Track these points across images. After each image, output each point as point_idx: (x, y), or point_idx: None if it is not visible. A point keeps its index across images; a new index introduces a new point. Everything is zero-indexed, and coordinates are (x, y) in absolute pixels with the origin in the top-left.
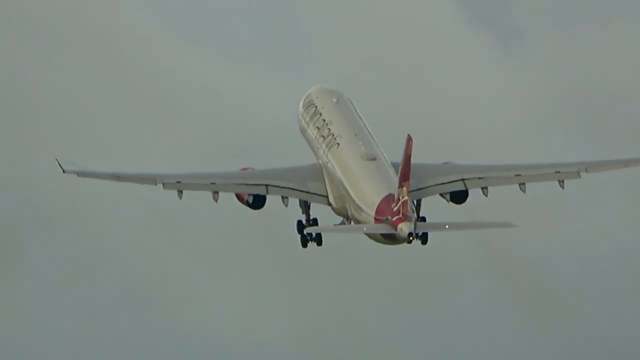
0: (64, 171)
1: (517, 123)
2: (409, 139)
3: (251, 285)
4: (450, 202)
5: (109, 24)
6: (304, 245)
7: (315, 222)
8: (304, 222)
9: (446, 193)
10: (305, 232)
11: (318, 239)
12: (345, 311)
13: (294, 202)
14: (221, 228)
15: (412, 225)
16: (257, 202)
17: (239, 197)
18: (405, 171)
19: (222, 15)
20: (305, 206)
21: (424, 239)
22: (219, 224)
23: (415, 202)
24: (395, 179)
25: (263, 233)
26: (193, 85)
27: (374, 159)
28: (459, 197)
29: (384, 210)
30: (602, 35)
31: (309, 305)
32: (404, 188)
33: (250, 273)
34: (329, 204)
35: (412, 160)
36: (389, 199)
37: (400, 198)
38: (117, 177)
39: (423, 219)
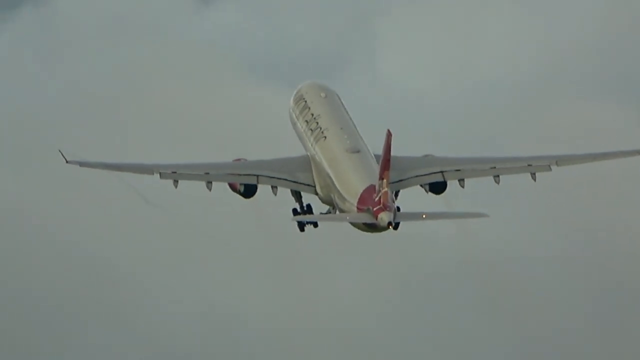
0: (67, 161)
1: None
2: (389, 134)
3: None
4: (430, 193)
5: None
6: (302, 229)
7: (309, 208)
8: (298, 209)
9: (425, 184)
10: (291, 220)
11: (314, 222)
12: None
13: (286, 192)
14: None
15: (392, 215)
16: (249, 191)
17: (232, 187)
18: (385, 164)
19: None
20: (297, 195)
21: (395, 225)
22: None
23: (394, 192)
24: (377, 171)
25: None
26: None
27: (358, 152)
28: (438, 188)
29: (366, 200)
30: None
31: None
32: (384, 180)
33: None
34: (316, 194)
35: (395, 153)
36: (370, 190)
37: (381, 189)
38: (116, 167)
39: (397, 209)
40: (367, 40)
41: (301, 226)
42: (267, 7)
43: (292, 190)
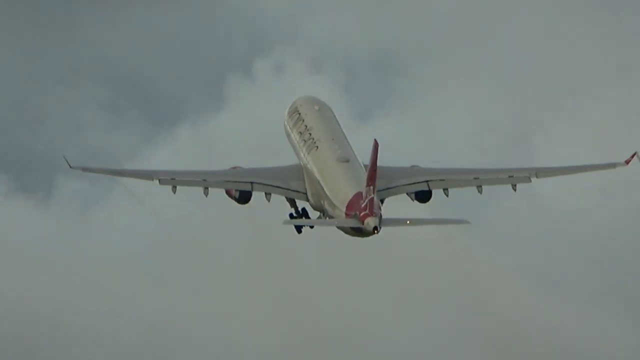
0: (70, 166)
1: None
2: (375, 144)
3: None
4: (415, 201)
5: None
6: (299, 231)
7: (304, 211)
8: (294, 214)
9: (411, 192)
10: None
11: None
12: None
13: (282, 199)
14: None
15: (377, 220)
16: (243, 197)
17: (228, 193)
18: (372, 172)
19: None
20: (292, 201)
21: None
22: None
23: (381, 200)
24: (365, 179)
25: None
26: None
27: (347, 161)
28: (423, 196)
29: (353, 206)
30: None
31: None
32: (371, 187)
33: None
34: (308, 200)
35: (383, 163)
36: (358, 197)
37: (368, 196)
38: (118, 173)
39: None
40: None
41: (298, 228)
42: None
43: (286, 197)
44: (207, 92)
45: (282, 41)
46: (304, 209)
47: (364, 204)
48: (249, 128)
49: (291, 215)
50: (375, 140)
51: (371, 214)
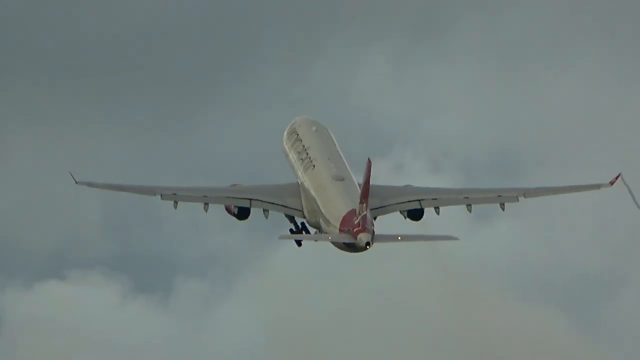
0: (76, 182)
1: None
2: (369, 163)
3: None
4: (408, 219)
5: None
6: (299, 245)
7: (304, 226)
8: (293, 229)
9: (404, 210)
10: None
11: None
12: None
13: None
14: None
15: (370, 236)
16: (242, 213)
17: (227, 209)
18: (365, 190)
19: None
20: (290, 218)
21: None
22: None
23: (374, 217)
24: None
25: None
26: None
27: (342, 180)
28: (415, 214)
29: (347, 222)
30: None
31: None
32: (364, 204)
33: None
34: (304, 217)
35: (378, 182)
36: (352, 213)
37: (361, 213)
38: (121, 188)
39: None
40: None
41: (298, 242)
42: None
43: (285, 214)
44: None
45: (401, 141)
46: (303, 224)
47: (357, 220)
48: None
49: (291, 230)
50: (369, 159)
51: (363, 229)
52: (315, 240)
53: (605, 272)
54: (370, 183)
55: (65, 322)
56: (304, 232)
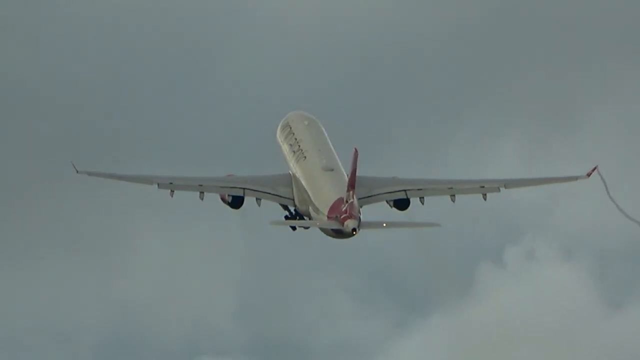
0: (77, 171)
1: None
2: (355, 153)
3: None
4: (394, 208)
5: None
6: (294, 229)
7: (297, 212)
8: (288, 215)
9: (390, 200)
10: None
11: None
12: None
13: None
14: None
15: (356, 222)
16: (236, 202)
17: (222, 198)
18: (352, 179)
19: None
20: (284, 206)
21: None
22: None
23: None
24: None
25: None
26: None
27: (331, 170)
28: (401, 204)
29: (335, 210)
30: None
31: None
32: (351, 192)
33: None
34: (295, 206)
35: (366, 174)
36: (340, 202)
37: (348, 201)
38: (120, 177)
39: None
40: None
41: (293, 228)
42: None
43: (280, 203)
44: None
45: (534, 228)
46: (296, 210)
47: (345, 207)
48: (499, 316)
49: (286, 217)
50: (355, 149)
51: (350, 216)
52: (306, 228)
53: None
54: (357, 174)
55: None
56: (297, 218)
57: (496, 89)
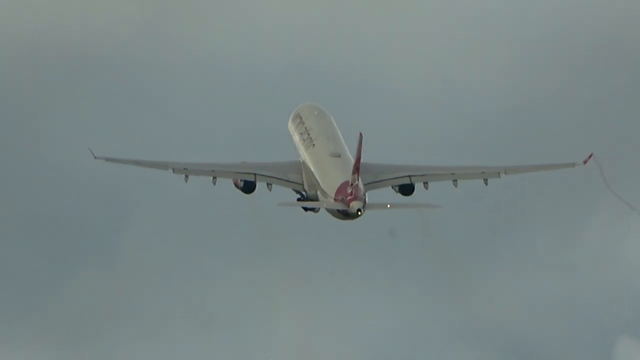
0: (95, 157)
1: None
2: (360, 137)
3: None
4: (399, 194)
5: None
6: (305, 210)
7: (308, 196)
8: (300, 198)
9: (395, 186)
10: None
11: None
12: None
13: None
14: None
15: (361, 204)
16: (248, 187)
17: (235, 183)
18: (357, 162)
19: None
20: (296, 190)
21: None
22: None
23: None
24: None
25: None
26: None
27: (339, 156)
28: (406, 190)
29: (341, 192)
30: None
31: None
32: (356, 175)
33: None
34: (304, 190)
35: (373, 161)
36: (345, 185)
37: (353, 183)
38: (137, 162)
39: None
40: None
41: (305, 209)
42: None
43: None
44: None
45: None
46: (306, 194)
47: (350, 190)
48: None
49: (298, 199)
50: (360, 133)
51: (355, 198)
52: (315, 211)
53: None
54: (363, 160)
55: None
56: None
57: None
